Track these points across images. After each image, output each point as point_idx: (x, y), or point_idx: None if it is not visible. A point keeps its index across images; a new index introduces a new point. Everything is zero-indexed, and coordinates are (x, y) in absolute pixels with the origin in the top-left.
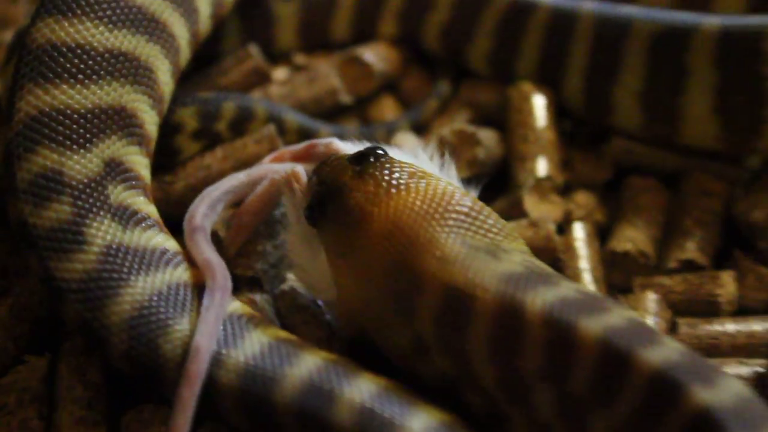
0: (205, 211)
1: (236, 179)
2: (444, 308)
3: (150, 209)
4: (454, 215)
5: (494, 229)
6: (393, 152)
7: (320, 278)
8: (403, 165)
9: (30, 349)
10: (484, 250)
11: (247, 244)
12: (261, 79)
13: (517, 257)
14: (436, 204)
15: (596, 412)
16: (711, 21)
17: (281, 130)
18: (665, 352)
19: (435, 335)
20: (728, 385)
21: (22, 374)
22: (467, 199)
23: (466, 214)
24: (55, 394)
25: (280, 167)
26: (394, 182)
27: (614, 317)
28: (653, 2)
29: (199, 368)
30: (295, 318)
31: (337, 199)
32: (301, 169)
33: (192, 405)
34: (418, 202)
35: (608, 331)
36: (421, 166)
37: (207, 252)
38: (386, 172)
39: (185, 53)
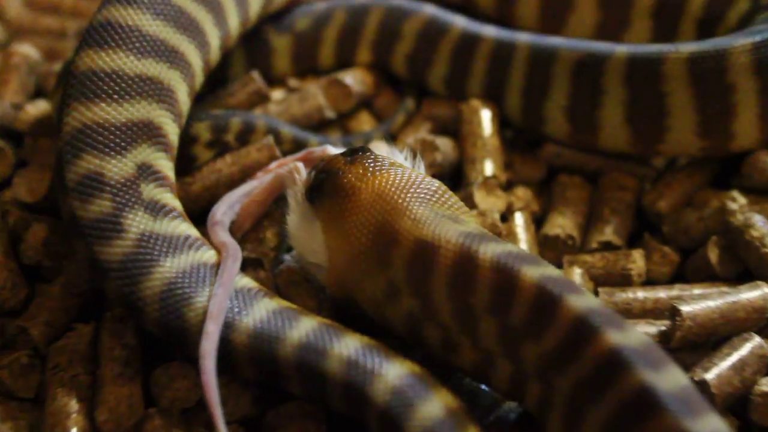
0: (224, 210)
1: (250, 185)
2: (414, 257)
3: (175, 203)
4: (423, 191)
5: (455, 206)
6: (379, 150)
7: (314, 247)
8: (384, 158)
9: (78, 319)
10: (447, 216)
11: (251, 233)
12: (261, 99)
13: (472, 224)
14: (410, 182)
15: (528, 343)
16: (621, 49)
17: (278, 140)
18: (588, 301)
19: (406, 279)
20: (634, 332)
21: (72, 339)
22: (434, 181)
23: (433, 192)
24: (98, 354)
25: (285, 167)
26: (377, 166)
27: (549, 269)
28: (575, 34)
29: (219, 307)
30: (291, 291)
31: (333, 180)
32: (301, 165)
33: (215, 340)
34: (396, 180)
35: (544, 278)
36: (400, 162)
37: (224, 237)
38: (371, 160)
39: (199, 78)
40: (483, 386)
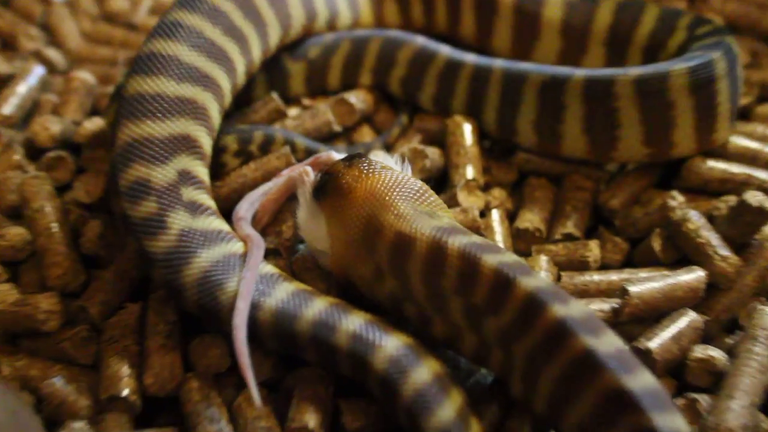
0: (246, 207)
1: (267, 186)
2: (395, 246)
3: (210, 203)
4: (407, 190)
5: (434, 203)
6: (376, 157)
7: (319, 236)
8: (376, 162)
9: (128, 299)
10: (424, 212)
11: (270, 227)
12: (280, 115)
13: (446, 219)
14: (396, 182)
15: (489, 318)
16: (579, 72)
17: (294, 150)
18: (537, 281)
19: (388, 264)
20: (577, 305)
21: (123, 316)
22: (417, 182)
23: (416, 191)
24: (145, 328)
25: (296, 171)
26: (370, 169)
27: (506, 257)
28: (541, 59)
29: (248, 287)
30: (305, 276)
31: (334, 180)
32: (309, 169)
33: (245, 315)
34: (384, 181)
35: (501, 264)
36: (390, 166)
37: (248, 230)
38: (365, 164)
39: (228, 98)
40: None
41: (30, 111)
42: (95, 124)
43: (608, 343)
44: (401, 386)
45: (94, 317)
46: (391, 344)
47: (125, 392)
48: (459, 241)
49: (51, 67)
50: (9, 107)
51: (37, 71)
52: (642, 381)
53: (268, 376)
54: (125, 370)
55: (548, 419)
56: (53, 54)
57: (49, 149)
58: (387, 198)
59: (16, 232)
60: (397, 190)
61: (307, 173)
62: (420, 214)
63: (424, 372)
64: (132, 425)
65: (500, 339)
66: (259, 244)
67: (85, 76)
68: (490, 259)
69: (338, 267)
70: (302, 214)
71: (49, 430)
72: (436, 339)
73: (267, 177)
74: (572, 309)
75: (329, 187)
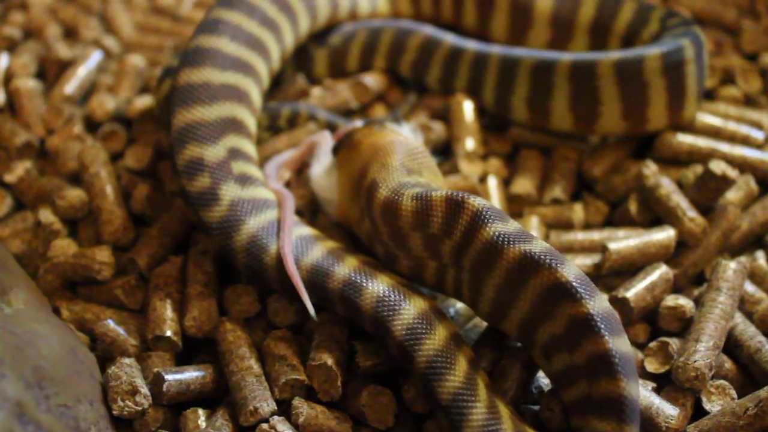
0: (274, 166)
1: (290, 152)
2: (368, 191)
3: (258, 174)
4: (401, 147)
5: (423, 164)
6: (395, 127)
7: (331, 188)
8: (389, 126)
9: (171, 252)
10: (407, 168)
11: (294, 190)
12: (305, 94)
13: (422, 179)
14: (394, 141)
15: (444, 241)
16: (566, 56)
17: (316, 123)
18: (485, 203)
19: (365, 208)
20: (514, 223)
21: (167, 267)
22: (418, 145)
23: (410, 150)
24: (186, 278)
25: (316, 136)
26: (378, 129)
27: (455, 191)
28: (533, 45)
29: (288, 225)
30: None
31: (349, 137)
32: (327, 134)
33: (291, 245)
34: (385, 137)
35: (450, 192)
36: (402, 132)
37: (277, 186)
38: (378, 126)
39: (266, 82)
40: (452, 312)
41: (88, 90)
42: (144, 101)
43: (539, 245)
44: (416, 353)
45: (141, 268)
46: (409, 312)
47: (168, 333)
48: (415, 190)
49: (107, 53)
50: (71, 87)
51: (95, 56)
52: (573, 270)
53: (292, 321)
54: (168, 313)
55: (492, 319)
56: (109, 42)
57: (104, 123)
58: (381, 151)
59: (75, 194)
60: (393, 146)
61: (325, 137)
62: (401, 168)
63: (438, 339)
64: (174, 362)
65: (454, 257)
66: (289, 195)
67: (136, 60)
68: (440, 193)
69: (341, 212)
70: (316, 169)
71: (102, 365)
72: (403, 274)
73: (295, 147)
74: (509, 226)
75: (344, 143)
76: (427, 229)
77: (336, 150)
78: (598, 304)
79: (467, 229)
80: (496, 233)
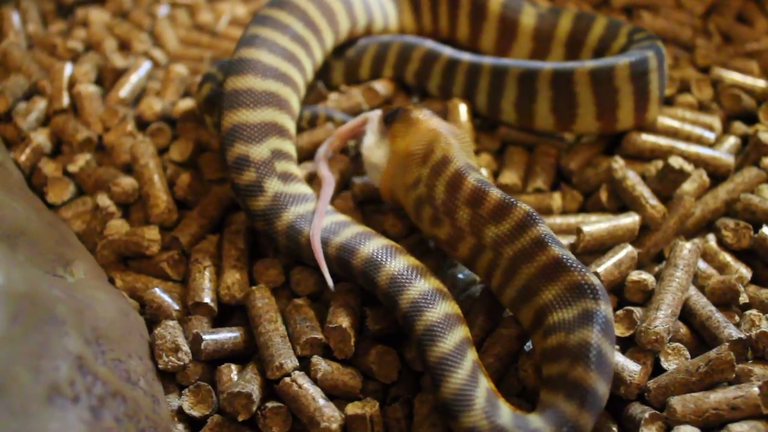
0: (325, 149)
1: (344, 126)
2: (437, 163)
3: (297, 172)
4: (454, 132)
5: (466, 145)
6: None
7: (379, 155)
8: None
9: (209, 231)
10: (462, 149)
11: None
12: (323, 98)
13: (473, 159)
14: (448, 125)
15: (489, 226)
16: (548, 65)
17: (333, 123)
18: (530, 208)
19: (428, 175)
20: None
21: (205, 244)
22: (462, 130)
23: (458, 134)
24: (221, 253)
25: (370, 113)
26: (430, 114)
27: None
28: (518, 56)
29: (321, 209)
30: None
31: (406, 112)
32: (379, 112)
33: (320, 227)
34: (442, 123)
35: (504, 195)
36: None
37: (324, 171)
38: (426, 110)
39: (303, 91)
40: (460, 276)
41: (139, 94)
42: (186, 104)
43: (564, 250)
44: (416, 324)
45: (183, 245)
46: (423, 285)
47: (206, 299)
48: (475, 176)
49: (155, 63)
50: (124, 92)
51: (145, 66)
52: (597, 278)
53: (312, 290)
54: (206, 283)
55: (512, 301)
56: (157, 53)
57: (152, 122)
58: (443, 133)
59: (128, 182)
60: (449, 130)
61: (377, 114)
62: (460, 149)
63: (437, 313)
64: (210, 324)
65: (495, 243)
66: (330, 182)
67: (180, 69)
68: (472, 179)
69: (386, 178)
70: (369, 139)
71: (149, 327)
72: (440, 240)
73: (315, 145)
74: (550, 230)
75: (400, 116)
76: (478, 210)
77: (389, 120)
78: (607, 309)
79: (518, 224)
80: (543, 233)
